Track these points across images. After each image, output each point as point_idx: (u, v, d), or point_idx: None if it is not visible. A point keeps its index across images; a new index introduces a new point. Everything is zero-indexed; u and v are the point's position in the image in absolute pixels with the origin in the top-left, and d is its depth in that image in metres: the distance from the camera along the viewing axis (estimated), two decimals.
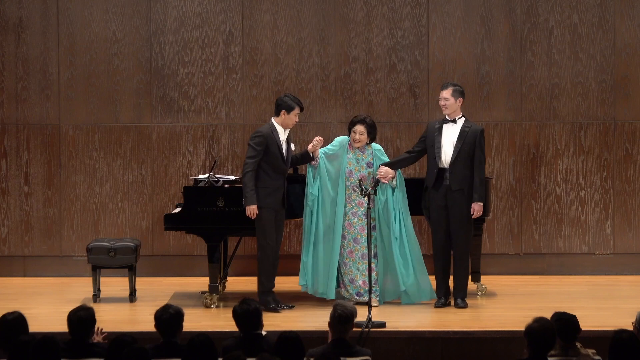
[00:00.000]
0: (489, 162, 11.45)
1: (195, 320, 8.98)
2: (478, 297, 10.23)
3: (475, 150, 9.68)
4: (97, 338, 6.98)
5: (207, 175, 10.11)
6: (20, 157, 11.57)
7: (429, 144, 9.77)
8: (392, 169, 9.78)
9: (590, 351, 6.67)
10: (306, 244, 9.87)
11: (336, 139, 10.03)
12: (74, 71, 11.53)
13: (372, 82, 11.54)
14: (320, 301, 9.81)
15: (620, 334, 6.32)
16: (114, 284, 10.50)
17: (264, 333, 6.98)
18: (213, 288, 9.82)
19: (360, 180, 9.53)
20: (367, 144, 9.89)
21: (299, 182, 9.97)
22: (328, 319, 6.92)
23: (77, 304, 7.06)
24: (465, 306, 9.68)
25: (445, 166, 9.68)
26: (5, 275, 11.50)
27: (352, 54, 11.55)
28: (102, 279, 10.19)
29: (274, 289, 9.77)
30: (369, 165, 9.88)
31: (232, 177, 10.25)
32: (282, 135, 9.63)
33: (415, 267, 9.79)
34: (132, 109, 11.56)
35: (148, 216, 11.58)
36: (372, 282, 9.47)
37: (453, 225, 9.68)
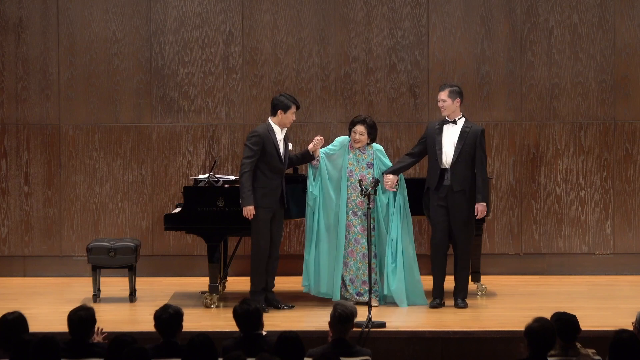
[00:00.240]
0: (489, 162, 11.43)
1: (195, 320, 8.98)
2: (478, 297, 10.23)
3: (476, 150, 9.68)
4: (97, 338, 6.98)
5: (207, 175, 10.11)
6: (20, 157, 11.57)
7: (430, 145, 9.76)
8: (395, 174, 9.79)
9: (590, 351, 6.67)
10: (308, 243, 9.88)
11: (337, 139, 10.03)
12: (74, 71, 11.53)
13: (372, 82, 11.54)
14: (320, 301, 9.81)
15: (620, 334, 6.32)
16: (114, 284, 10.50)
17: (264, 333, 6.98)
18: (213, 288, 9.82)
19: (360, 181, 9.53)
20: (368, 144, 9.89)
21: (299, 182, 9.97)
22: (328, 319, 6.93)
23: (77, 304, 7.06)
24: (465, 306, 9.68)
25: (447, 167, 9.68)
26: (5, 275, 11.50)
27: (352, 54, 11.55)
28: (102, 279, 10.19)
29: (273, 289, 9.78)
30: (369, 165, 9.88)
31: (232, 177, 10.25)
32: (279, 134, 9.63)
33: (406, 272, 9.76)
34: (132, 109, 11.56)
35: (148, 216, 11.58)
36: (372, 282, 9.47)
37: (454, 226, 9.67)
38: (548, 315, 6.66)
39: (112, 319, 9.05)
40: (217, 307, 9.74)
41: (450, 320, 9.20)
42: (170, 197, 11.47)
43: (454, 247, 9.75)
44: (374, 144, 9.94)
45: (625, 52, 11.53)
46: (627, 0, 11.49)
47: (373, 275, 9.54)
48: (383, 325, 8.79)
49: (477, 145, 9.68)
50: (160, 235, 11.35)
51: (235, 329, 6.98)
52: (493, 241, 11.57)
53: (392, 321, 8.98)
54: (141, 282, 10.56)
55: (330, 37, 11.54)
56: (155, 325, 6.78)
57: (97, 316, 6.88)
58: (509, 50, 11.53)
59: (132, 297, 10.13)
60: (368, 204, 9.37)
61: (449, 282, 9.82)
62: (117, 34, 11.53)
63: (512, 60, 11.53)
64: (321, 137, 9.83)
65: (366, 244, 9.51)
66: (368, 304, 9.04)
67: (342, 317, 6.87)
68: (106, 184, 11.57)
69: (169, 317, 6.76)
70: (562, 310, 6.76)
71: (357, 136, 9.82)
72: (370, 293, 9.23)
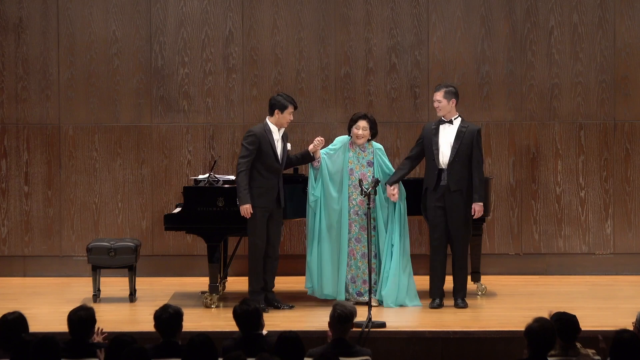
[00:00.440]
0: (488, 162, 11.46)
1: (195, 320, 8.97)
2: (478, 297, 10.22)
3: (473, 150, 9.68)
4: (97, 338, 6.98)
5: (207, 175, 10.11)
6: (20, 157, 11.57)
7: (427, 145, 9.76)
8: (396, 183, 9.79)
9: (590, 351, 6.67)
10: (310, 245, 9.86)
11: (337, 139, 10.02)
12: (74, 71, 11.53)
13: (372, 82, 11.54)
14: (320, 301, 9.81)
15: (621, 334, 6.32)
16: (114, 284, 10.50)
17: (264, 333, 6.98)
18: (213, 288, 9.81)
19: (360, 180, 9.52)
20: (368, 140, 9.88)
21: (299, 182, 9.97)
22: (328, 319, 6.92)
23: (77, 304, 7.06)
24: (465, 306, 9.68)
25: (444, 167, 9.68)
26: (5, 275, 11.50)
27: (352, 54, 11.54)
28: (102, 279, 10.19)
29: (273, 289, 9.78)
30: (369, 164, 9.88)
31: (232, 177, 10.23)
32: (276, 134, 9.63)
33: (399, 276, 9.75)
34: (132, 109, 11.56)
35: (148, 216, 11.57)
36: (372, 282, 9.47)
37: (452, 225, 9.67)
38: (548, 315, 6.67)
39: (112, 319, 9.05)
40: (217, 307, 9.74)
41: (450, 320, 9.19)
42: (170, 197, 11.47)
43: (452, 247, 9.76)
44: (374, 143, 9.94)
45: (625, 52, 11.53)
46: (627, 0, 11.49)
47: (373, 275, 9.54)
48: (383, 325, 8.79)
49: (474, 145, 9.68)
50: (160, 235, 11.35)
51: (235, 329, 6.98)
52: (493, 241, 11.57)
53: (392, 321, 8.98)
54: (141, 282, 10.56)
55: (330, 37, 11.54)
56: (155, 325, 6.78)
57: (97, 316, 6.88)
58: (509, 50, 11.53)
59: (132, 297, 10.13)
60: (368, 204, 9.37)
61: (449, 283, 9.81)
62: (117, 34, 11.53)
63: (512, 60, 11.53)
64: (322, 138, 9.83)
65: (366, 243, 9.51)
66: (368, 304, 9.04)
67: (342, 317, 6.87)
68: (106, 184, 11.57)
69: (169, 317, 6.75)
70: (562, 310, 6.76)
71: (361, 132, 9.81)
72: (370, 293, 9.23)
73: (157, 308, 6.84)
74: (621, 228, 11.57)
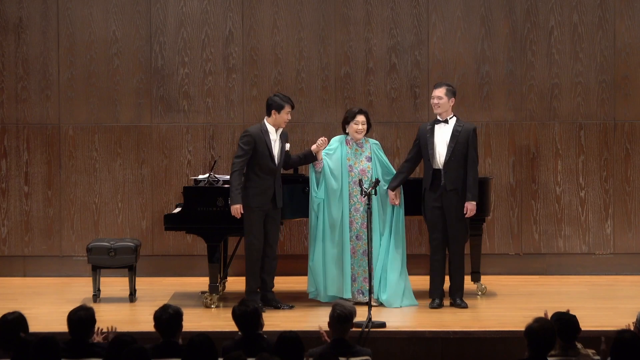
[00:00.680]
0: (488, 162, 11.46)
1: (195, 320, 8.98)
2: (478, 297, 10.22)
3: (468, 149, 9.68)
4: (97, 338, 6.98)
5: (207, 175, 10.11)
6: (20, 157, 11.57)
7: (423, 146, 9.78)
8: (397, 188, 9.80)
9: (590, 351, 6.67)
10: (312, 248, 9.83)
11: (333, 138, 10.01)
12: (74, 71, 11.53)
13: (372, 82, 11.54)
14: (320, 301, 9.80)
15: (622, 334, 6.32)
16: (114, 284, 10.50)
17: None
18: (213, 288, 9.82)
19: (360, 180, 9.53)
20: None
21: (299, 182, 9.97)
22: (328, 319, 6.93)
23: (77, 304, 7.06)
24: (465, 306, 9.68)
25: (440, 167, 9.68)
26: (5, 275, 11.50)
27: (352, 54, 11.54)
28: (102, 279, 10.19)
29: (273, 289, 9.78)
30: (367, 159, 9.89)
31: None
32: (274, 135, 9.62)
33: (396, 278, 9.76)
34: (132, 109, 11.56)
35: (148, 216, 11.58)
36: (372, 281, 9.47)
37: (449, 225, 9.68)
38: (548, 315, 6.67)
39: (112, 319, 9.03)
40: (217, 307, 9.74)
41: (450, 320, 9.19)
42: (170, 197, 11.47)
43: (449, 246, 9.76)
44: (370, 139, 9.97)
45: (625, 52, 11.53)
46: (627, 0, 11.49)
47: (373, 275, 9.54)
48: (383, 325, 8.79)
49: (469, 144, 9.69)
50: (160, 235, 11.35)
51: (236, 329, 6.98)
52: (493, 241, 11.57)
53: (392, 321, 8.98)
54: (141, 282, 10.56)
55: (330, 37, 11.54)
56: (155, 325, 6.78)
57: (97, 316, 6.88)
58: (509, 50, 11.53)
59: (132, 297, 10.13)
60: (368, 204, 9.37)
61: (449, 283, 9.82)
62: (117, 34, 11.53)
63: (512, 60, 11.53)
64: (325, 138, 9.82)
65: (367, 241, 9.51)
66: (368, 304, 9.04)
67: (341, 317, 6.87)
68: (106, 184, 11.57)
69: (169, 317, 6.75)
70: (562, 310, 6.76)
71: (360, 126, 9.83)
72: (370, 293, 9.22)
73: (157, 308, 6.85)
74: (621, 228, 11.57)
